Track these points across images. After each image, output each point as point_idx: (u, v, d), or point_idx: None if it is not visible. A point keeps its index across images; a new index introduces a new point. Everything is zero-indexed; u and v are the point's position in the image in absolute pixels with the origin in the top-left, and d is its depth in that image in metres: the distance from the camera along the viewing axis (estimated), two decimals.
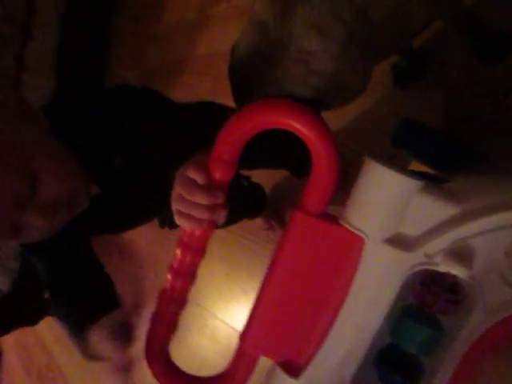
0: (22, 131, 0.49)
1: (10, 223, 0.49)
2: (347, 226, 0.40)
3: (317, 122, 0.38)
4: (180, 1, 1.60)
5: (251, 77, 0.61)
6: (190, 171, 0.40)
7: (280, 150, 0.61)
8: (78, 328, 0.53)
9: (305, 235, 0.41)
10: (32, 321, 1.88)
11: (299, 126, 0.38)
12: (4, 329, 1.87)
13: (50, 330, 1.99)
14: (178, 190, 0.41)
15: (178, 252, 0.43)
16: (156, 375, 0.44)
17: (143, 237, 1.47)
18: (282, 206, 1.02)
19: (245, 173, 0.93)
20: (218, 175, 0.40)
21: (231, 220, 0.74)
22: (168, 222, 0.80)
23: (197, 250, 0.43)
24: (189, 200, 0.40)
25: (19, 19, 1.45)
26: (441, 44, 0.87)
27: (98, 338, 0.49)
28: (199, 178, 0.39)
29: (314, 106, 0.60)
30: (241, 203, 0.94)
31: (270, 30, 0.58)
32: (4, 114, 0.49)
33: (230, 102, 0.67)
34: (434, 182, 0.40)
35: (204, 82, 1.39)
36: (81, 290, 0.61)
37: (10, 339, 2.26)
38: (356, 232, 0.39)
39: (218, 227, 0.44)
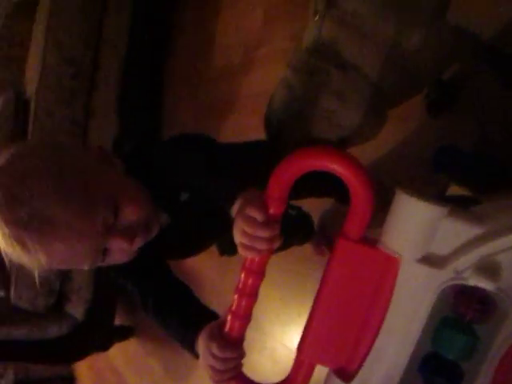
0: (105, 173, 0.61)
1: (100, 247, 0.58)
2: (384, 249, 0.48)
3: (353, 165, 0.47)
4: (226, 47, 1.76)
5: (283, 127, 0.72)
6: (251, 210, 0.50)
7: (322, 182, 0.69)
8: (184, 337, 0.62)
9: (348, 258, 0.49)
10: (104, 347, 2.05)
11: (339, 169, 0.47)
12: (79, 355, 2.06)
13: (120, 354, 2.15)
14: (240, 225, 0.51)
15: (242, 276, 0.53)
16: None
17: (203, 264, 1.59)
18: (330, 232, 1.09)
19: (294, 202, 1.02)
20: (272, 210, 0.50)
21: (283, 247, 0.82)
22: (228, 250, 0.91)
23: (257, 274, 0.53)
24: (251, 234, 0.49)
25: (86, 74, 1.68)
26: (472, 74, 0.93)
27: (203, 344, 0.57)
28: (259, 216, 0.49)
29: (338, 145, 0.70)
30: (290, 231, 1.03)
31: (298, 92, 0.69)
32: (91, 161, 0.61)
33: None
34: (459, 206, 0.47)
35: (251, 120, 1.52)
36: (177, 301, 0.70)
37: (83, 365, 2.44)
38: (392, 254, 0.47)
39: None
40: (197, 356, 0.60)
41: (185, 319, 0.65)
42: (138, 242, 0.61)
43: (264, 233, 0.49)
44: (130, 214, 0.59)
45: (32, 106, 1.60)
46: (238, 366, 0.55)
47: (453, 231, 0.46)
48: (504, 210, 0.48)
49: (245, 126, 1.54)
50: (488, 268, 0.45)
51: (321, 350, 0.52)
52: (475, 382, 0.47)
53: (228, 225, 0.55)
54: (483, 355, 0.47)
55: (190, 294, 0.71)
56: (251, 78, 1.59)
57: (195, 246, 0.84)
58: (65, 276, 1.67)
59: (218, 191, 0.60)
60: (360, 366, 0.50)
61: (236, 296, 0.54)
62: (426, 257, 0.46)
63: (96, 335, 1.96)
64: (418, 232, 0.46)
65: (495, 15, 0.92)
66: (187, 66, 1.96)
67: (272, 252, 0.52)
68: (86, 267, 0.61)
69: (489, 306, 0.46)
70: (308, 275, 1.22)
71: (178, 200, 0.72)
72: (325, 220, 1.07)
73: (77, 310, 1.79)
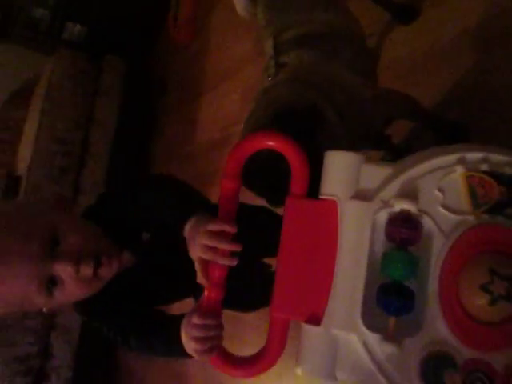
0: (50, 211, 0.71)
1: (43, 274, 0.63)
2: (324, 196, 0.59)
3: (288, 140, 0.61)
4: (207, 124, 2.01)
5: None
6: (209, 226, 0.62)
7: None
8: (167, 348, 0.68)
9: (297, 213, 0.61)
10: None
11: (278, 144, 0.62)
12: None
13: None
14: (200, 241, 0.62)
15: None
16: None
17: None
18: None
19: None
20: (229, 185, 0.63)
21: (260, 303, 0.88)
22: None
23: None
24: (212, 245, 0.61)
25: (75, 153, 1.88)
26: (417, 136, 1.14)
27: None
28: (213, 227, 0.62)
29: None
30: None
31: None
32: (38, 205, 0.75)
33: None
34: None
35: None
36: (156, 325, 0.75)
37: None
38: (329, 198, 0.59)
39: (249, 311, 0.63)
40: (186, 354, 0.66)
41: (165, 330, 0.70)
42: (88, 271, 0.65)
43: (228, 245, 0.61)
44: (72, 242, 0.66)
45: (23, 182, 1.76)
46: (219, 337, 0.63)
47: (374, 171, 0.58)
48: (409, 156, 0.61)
49: None
50: (408, 193, 0.57)
51: (290, 305, 0.61)
52: (425, 297, 0.56)
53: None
54: (425, 272, 0.56)
55: (165, 314, 0.78)
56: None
57: (164, 293, 0.86)
58: (45, 353, 1.69)
59: (169, 214, 0.70)
60: (325, 307, 0.58)
61: (209, 269, 0.63)
62: (356, 194, 0.58)
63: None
64: (346, 175, 0.59)
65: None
66: (172, 143, 2.19)
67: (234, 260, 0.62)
68: (38, 300, 0.65)
69: (416, 226, 0.56)
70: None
71: (140, 240, 0.80)
72: None
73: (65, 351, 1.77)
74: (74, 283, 0.66)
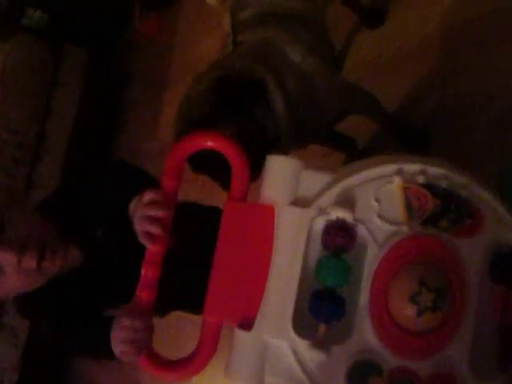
0: (3, 199, 0.70)
1: None
2: (262, 201, 0.60)
3: (229, 142, 0.62)
4: (172, 119, 1.97)
5: None
6: (148, 193, 0.62)
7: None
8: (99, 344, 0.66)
9: (235, 217, 0.61)
10: None
11: (219, 145, 0.62)
12: None
13: None
14: (139, 213, 0.62)
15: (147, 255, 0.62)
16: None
17: None
18: None
19: None
20: (169, 183, 0.62)
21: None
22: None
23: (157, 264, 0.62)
24: (150, 216, 0.61)
25: (30, 144, 1.82)
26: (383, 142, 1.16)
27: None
28: (155, 195, 0.61)
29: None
30: None
31: None
32: None
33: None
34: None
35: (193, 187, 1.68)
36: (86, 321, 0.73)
37: None
38: (268, 202, 0.59)
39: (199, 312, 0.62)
40: (113, 355, 0.64)
41: (97, 330, 0.68)
42: (31, 262, 0.64)
43: (160, 212, 0.61)
44: (17, 231, 0.64)
45: None
46: (147, 339, 0.61)
47: (313, 178, 0.60)
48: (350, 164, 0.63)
49: (195, 198, 1.66)
50: (345, 201, 0.58)
51: (223, 309, 0.61)
52: (356, 305, 0.57)
53: None
54: (358, 280, 0.58)
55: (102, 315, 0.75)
56: None
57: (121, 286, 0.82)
58: None
59: (118, 196, 0.70)
60: (256, 311, 0.59)
61: (142, 270, 0.63)
62: (295, 200, 0.59)
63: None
64: (285, 180, 0.60)
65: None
66: (135, 138, 2.15)
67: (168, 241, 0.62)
68: None
69: (350, 234, 0.58)
70: None
71: (92, 237, 0.77)
72: None
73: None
74: (15, 274, 0.64)
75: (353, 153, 1.18)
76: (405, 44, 1.28)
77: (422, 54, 1.24)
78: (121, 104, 2.20)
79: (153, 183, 0.71)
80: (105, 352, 0.64)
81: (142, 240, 0.62)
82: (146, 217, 0.61)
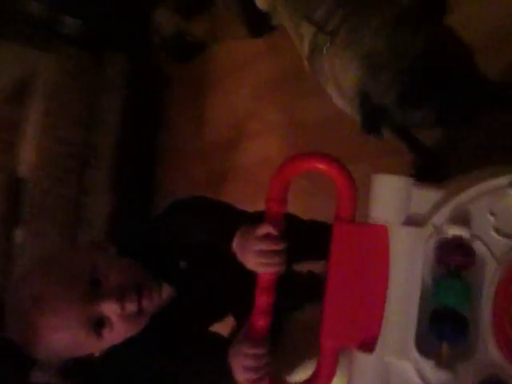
0: (91, 254, 0.74)
1: (90, 316, 0.65)
2: (373, 221, 0.61)
3: (334, 162, 0.62)
4: (215, 120, 1.99)
5: None
6: (261, 229, 0.64)
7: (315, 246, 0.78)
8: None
9: (345, 239, 0.62)
10: None
11: (325, 167, 0.62)
12: None
13: None
14: (254, 247, 0.64)
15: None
16: None
17: None
18: None
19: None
20: (276, 209, 0.63)
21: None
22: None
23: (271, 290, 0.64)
24: (267, 250, 0.63)
25: (79, 153, 1.87)
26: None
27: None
28: (272, 230, 0.63)
29: None
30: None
31: None
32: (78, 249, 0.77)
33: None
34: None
35: (245, 190, 1.70)
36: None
37: None
38: (380, 223, 0.60)
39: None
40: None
41: (213, 359, 0.71)
42: (132, 306, 0.68)
43: (279, 245, 0.63)
44: (112, 280, 0.68)
45: (28, 186, 1.76)
46: (269, 364, 0.65)
47: (424, 195, 0.60)
48: (460, 177, 0.62)
49: (239, 196, 1.69)
50: (460, 218, 0.58)
51: (341, 332, 0.62)
52: (478, 322, 0.57)
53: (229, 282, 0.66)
54: (478, 297, 0.58)
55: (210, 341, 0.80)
56: (241, 151, 1.83)
57: (208, 316, 0.88)
58: None
59: (214, 232, 0.73)
60: (377, 334, 0.60)
61: (256, 297, 0.65)
62: (407, 219, 0.60)
63: None
64: (396, 199, 0.60)
65: None
66: (179, 140, 2.17)
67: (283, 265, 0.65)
68: (88, 344, 0.68)
69: (468, 252, 0.58)
70: None
71: (178, 269, 0.83)
72: None
73: None
74: (120, 321, 0.68)
75: (420, 152, 1.16)
76: None
77: None
78: (162, 106, 2.22)
79: (244, 216, 0.73)
80: (225, 381, 0.67)
81: (259, 270, 0.65)
82: (264, 251, 0.63)
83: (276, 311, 0.69)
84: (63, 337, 0.66)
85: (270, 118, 1.74)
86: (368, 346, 0.61)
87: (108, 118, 1.99)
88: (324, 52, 0.99)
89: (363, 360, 0.60)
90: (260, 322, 0.64)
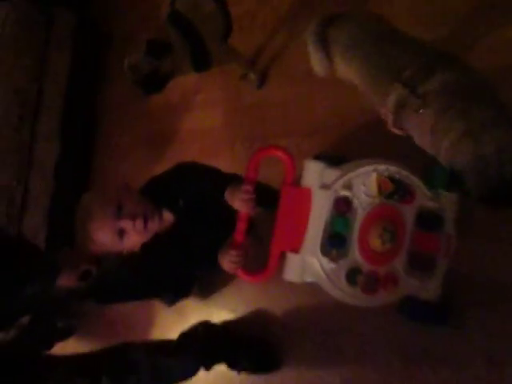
0: (119, 191, 1.24)
1: (116, 228, 1.17)
2: (304, 186, 1.15)
3: (281, 149, 1.14)
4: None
5: None
6: (244, 187, 1.15)
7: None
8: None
9: (289, 195, 1.15)
10: (47, 347, 2.31)
11: (277, 153, 1.14)
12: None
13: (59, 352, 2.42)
14: (239, 197, 1.15)
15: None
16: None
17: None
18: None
19: None
20: (251, 176, 1.14)
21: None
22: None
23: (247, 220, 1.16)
24: (247, 198, 1.15)
25: (31, 102, 2.14)
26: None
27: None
28: (249, 187, 1.15)
29: None
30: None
31: None
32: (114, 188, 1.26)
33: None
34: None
35: (189, 152, 2.11)
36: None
37: None
38: (307, 187, 1.14)
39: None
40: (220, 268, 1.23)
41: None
42: (140, 225, 1.18)
43: (252, 196, 1.16)
44: (130, 207, 1.19)
45: None
46: (243, 262, 1.17)
47: (331, 172, 1.15)
48: (349, 163, 1.19)
49: (182, 158, 2.08)
50: (347, 186, 1.15)
51: (283, 242, 1.17)
52: (351, 239, 1.16)
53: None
54: (353, 227, 1.17)
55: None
56: (188, 118, 2.22)
57: (205, 233, 1.38)
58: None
59: (215, 188, 1.24)
60: (301, 244, 1.16)
61: (238, 223, 1.16)
62: (322, 185, 1.15)
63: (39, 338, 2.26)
64: (316, 174, 1.15)
65: None
66: (125, 99, 2.45)
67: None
68: (116, 243, 1.18)
69: (350, 204, 1.16)
70: None
71: (177, 204, 1.34)
72: None
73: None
74: (133, 233, 1.20)
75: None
76: None
77: None
78: (106, 65, 2.49)
79: (230, 177, 1.24)
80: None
81: (241, 209, 1.17)
82: (246, 199, 1.14)
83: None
84: (102, 235, 1.17)
85: (214, 95, 2.17)
86: (296, 250, 1.17)
87: (56, 72, 2.24)
88: (414, 112, 1.11)
89: (293, 258, 1.16)
90: (239, 237, 1.16)
